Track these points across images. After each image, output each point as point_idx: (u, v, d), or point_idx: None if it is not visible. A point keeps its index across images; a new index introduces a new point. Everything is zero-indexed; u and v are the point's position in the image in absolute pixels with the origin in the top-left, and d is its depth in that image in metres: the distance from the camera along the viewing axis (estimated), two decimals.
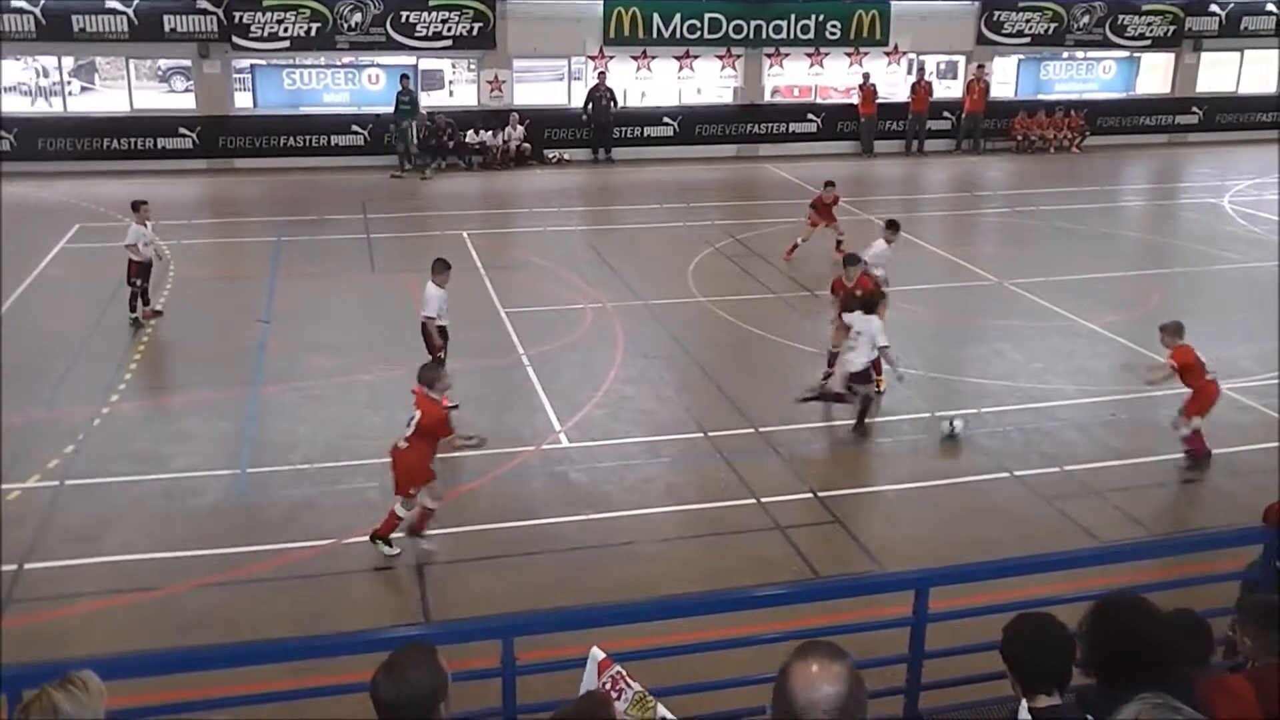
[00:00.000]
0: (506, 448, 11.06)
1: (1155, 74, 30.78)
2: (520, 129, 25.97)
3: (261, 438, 11.36)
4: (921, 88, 28.17)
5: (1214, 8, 29.85)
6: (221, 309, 15.63)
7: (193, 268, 17.21)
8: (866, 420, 11.68)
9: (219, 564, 8.92)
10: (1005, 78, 29.70)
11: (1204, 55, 30.48)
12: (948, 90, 29.28)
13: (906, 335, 14.92)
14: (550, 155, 26.42)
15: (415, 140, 24.77)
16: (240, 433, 11.44)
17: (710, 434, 11.51)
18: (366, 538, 9.07)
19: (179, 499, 10.02)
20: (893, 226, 14.66)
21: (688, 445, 11.36)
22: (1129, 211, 23.85)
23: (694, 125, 27.42)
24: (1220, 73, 30.88)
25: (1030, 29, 28.75)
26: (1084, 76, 30.34)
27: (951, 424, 11.49)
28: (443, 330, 11.96)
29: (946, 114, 28.66)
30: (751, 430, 11.62)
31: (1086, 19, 28.99)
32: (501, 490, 10.32)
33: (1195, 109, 30.55)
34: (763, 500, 10.07)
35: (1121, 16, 29.16)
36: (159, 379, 13.38)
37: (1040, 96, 29.58)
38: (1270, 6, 30.11)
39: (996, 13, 28.41)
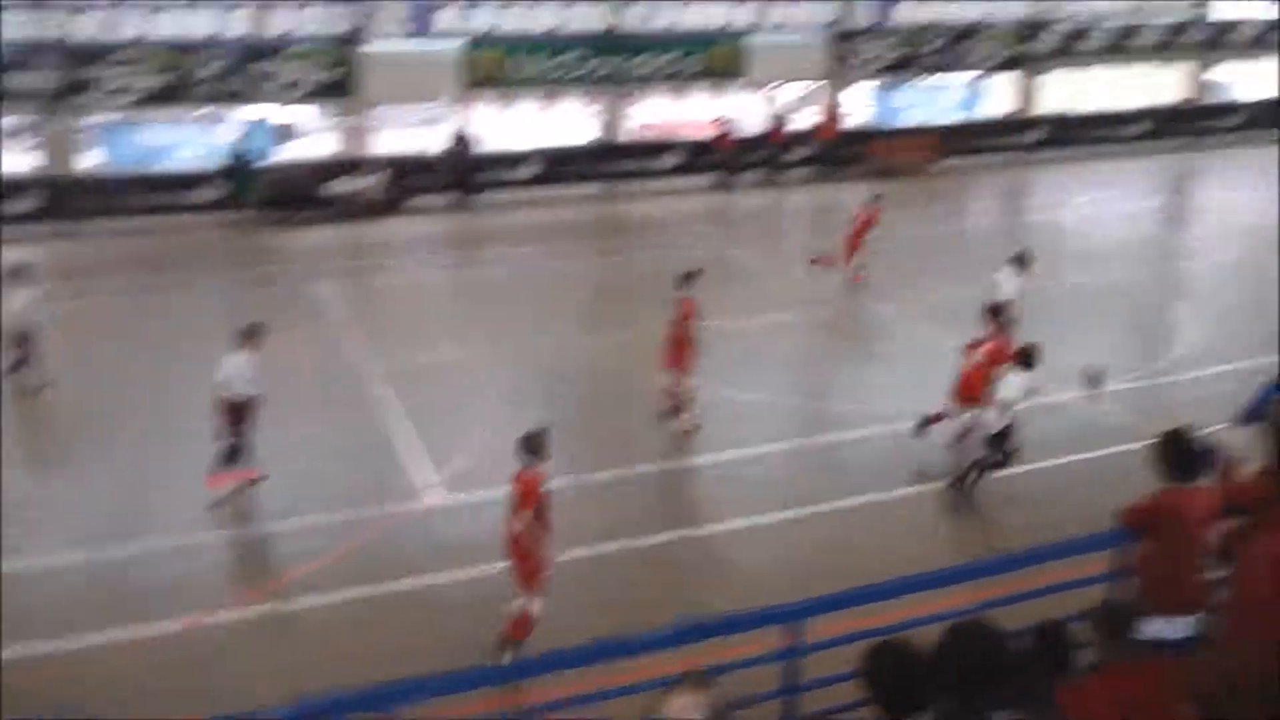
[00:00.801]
0: (379, 505, 10.91)
1: (1001, 96, 32.11)
2: (382, 177, 25.73)
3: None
4: (779, 119, 28.85)
5: (1051, 31, 31.29)
6: (70, 377, 15.05)
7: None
8: (969, 480, 11.01)
9: None
10: (860, 105, 30.63)
11: (1044, 77, 31.93)
12: (805, 120, 30.03)
13: (777, 363, 15.25)
14: (413, 203, 26.22)
15: (252, 195, 24.31)
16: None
17: (586, 475, 11.52)
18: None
19: None
20: (1020, 260, 14.36)
21: (566, 489, 11.33)
22: (983, 230, 24.69)
23: (558, 166, 27.54)
24: (1060, 92, 32.39)
25: (881, 57, 29.72)
26: (935, 101, 31.44)
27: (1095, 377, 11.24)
28: (249, 403, 11.28)
29: (805, 143, 29.38)
30: (628, 469, 11.67)
31: (934, 45, 30.10)
32: (376, 549, 10.15)
33: (1039, 128, 31.91)
34: (640, 541, 10.11)
35: (966, 42, 30.38)
36: None
37: (893, 123, 30.58)
38: (1100, 29, 31.70)
39: (848, 43, 29.31)
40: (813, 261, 18.63)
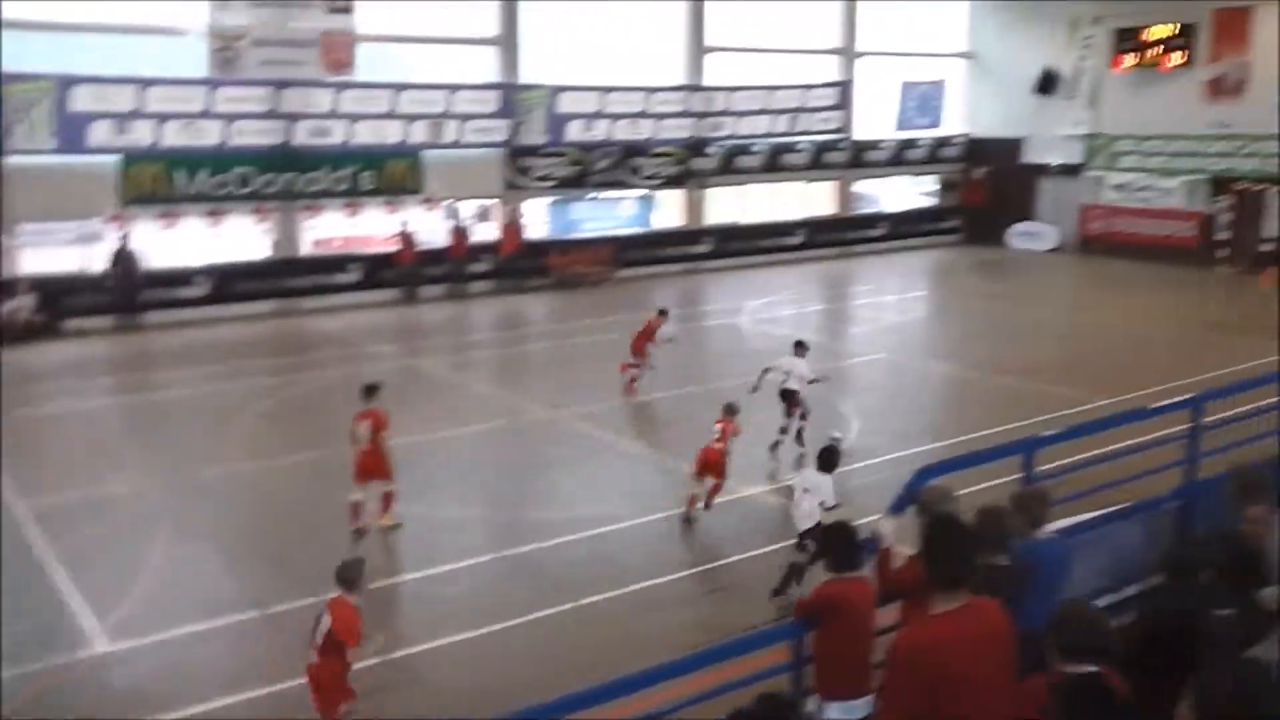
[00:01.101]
0: (31, 661, 9.95)
1: (670, 209, 33.98)
2: (31, 298, 23.95)
3: None
4: (459, 233, 29.25)
5: (713, 150, 33.51)
6: None
7: None
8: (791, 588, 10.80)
9: None
10: (538, 218, 31.52)
11: (710, 191, 34.09)
12: (485, 234, 30.56)
13: (470, 476, 15.23)
14: (71, 325, 24.54)
15: None
16: None
17: (270, 610, 11.01)
18: None
19: None
20: (800, 346, 16.09)
21: (247, 625, 10.78)
22: (665, 334, 25.72)
23: (230, 283, 26.62)
24: (724, 205, 34.68)
25: (555, 173, 30.77)
26: (609, 214, 32.84)
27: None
28: None
29: (485, 256, 29.86)
30: (314, 599, 11.21)
31: (605, 162, 31.49)
32: (26, 714, 9.23)
33: (707, 238, 33.91)
34: None
35: (635, 159, 31.98)
36: None
37: (572, 235, 31.67)
38: (757, 147, 34.29)
39: (522, 159, 30.19)
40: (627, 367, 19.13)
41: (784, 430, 15.62)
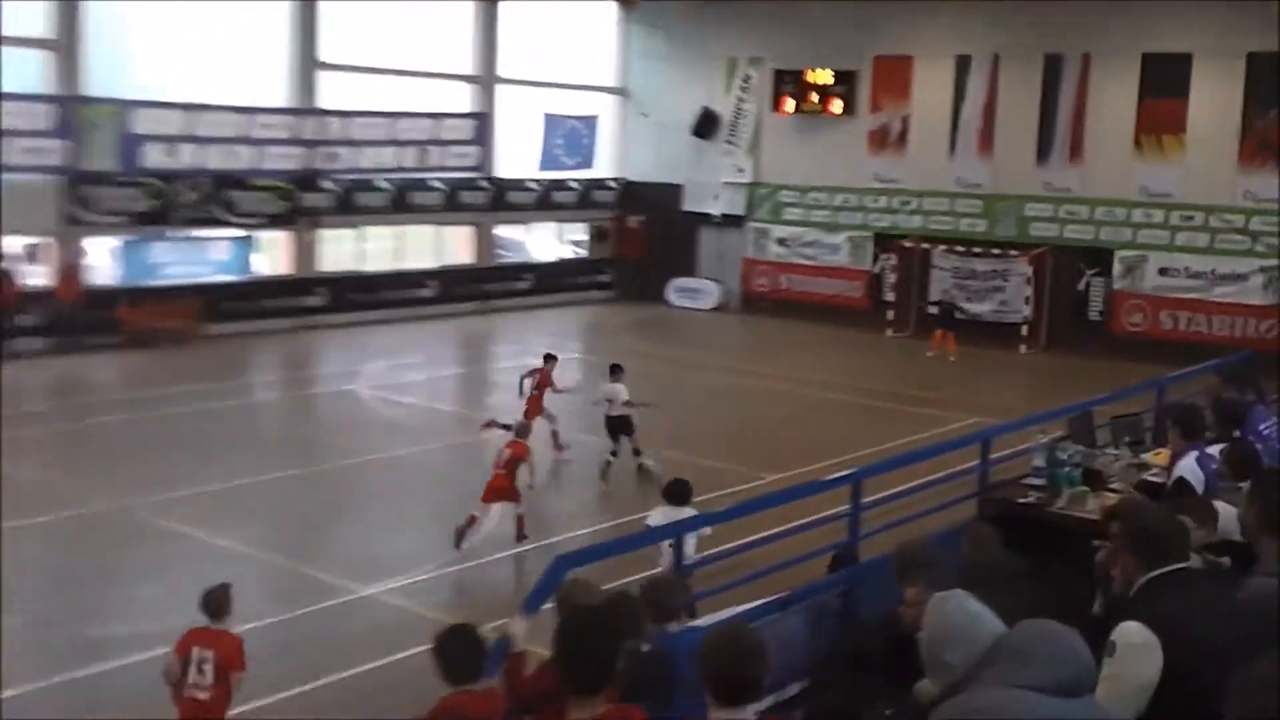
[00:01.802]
0: None
1: (275, 253, 33.15)
2: None
3: None
4: (2, 277, 27.30)
5: (327, 184, 33.07)
6: None
7: None
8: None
9: None
10: (106, 261, 29.90)
11: (324, 233, 33.55)
12: (36, 279, 28.65)
13: (6, 584, 14.10)
14: None
15: None
16: None
17: None
18: None
19: None
20: (617, 369, 19.35)
21: None
22: (262, 406, 24.98)
23: None
24: (342, 250, 34.24)
25: (128, 207, 29.32)
26: (197, 258, 31.58)
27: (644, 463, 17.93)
28: None
29: (36, 307, 27.99)
30: None
31: (192, 195, 30.34)
32: None
33: (321, 289, 33.32)
34: None
35: (231, 193, 31.02)
36: None
37: (149, 282, 30.17)
38: (381, 183, 34.16)
39: (85, 188, 28.57)
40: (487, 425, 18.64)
41: (614, 454, 18.55)
